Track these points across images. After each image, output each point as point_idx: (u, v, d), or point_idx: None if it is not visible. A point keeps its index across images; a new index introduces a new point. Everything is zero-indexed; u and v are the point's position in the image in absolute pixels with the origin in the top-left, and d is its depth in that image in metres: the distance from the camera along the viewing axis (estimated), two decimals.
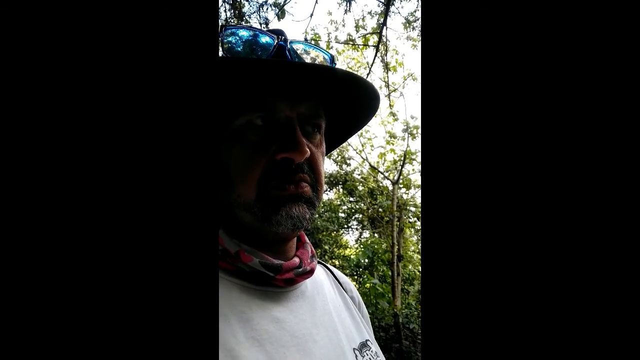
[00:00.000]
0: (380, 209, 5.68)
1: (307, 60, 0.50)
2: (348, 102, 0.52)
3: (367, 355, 0.54)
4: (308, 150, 0.45)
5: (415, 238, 6.63)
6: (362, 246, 5.83)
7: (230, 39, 0.47)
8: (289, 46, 0.48)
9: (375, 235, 6.10)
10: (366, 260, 5.39)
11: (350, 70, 0.49)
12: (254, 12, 3.55)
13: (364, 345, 0.55)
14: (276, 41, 0.47)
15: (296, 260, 0.51)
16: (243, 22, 3.49)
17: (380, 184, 6.04)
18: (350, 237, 6.83)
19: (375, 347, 0.57)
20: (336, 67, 0.48)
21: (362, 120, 0.58)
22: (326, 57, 0.52)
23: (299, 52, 0.49)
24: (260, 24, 3.48)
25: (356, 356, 0.51)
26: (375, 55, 3.81)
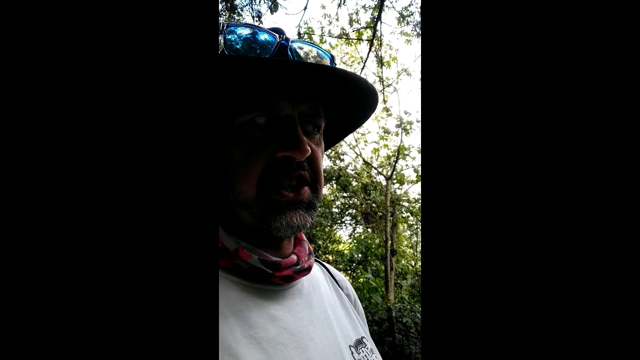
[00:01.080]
0: (373, 204, 5.71)
1: (307, 59, 0.50)
2: (347, 101, 0.52)
3: (363, 352, 0.54)
4: (309, 148, 0.45)
5: (408, 233, 6.68)
6: (355, 241, 5.86)
7: (230, 36, 0.47)
8: (290, 45, 0.48)
9: (369, 230, 6.13)
10: (359, 255, 5.42)
11: (351, 70, 0.50)
12: (246, 4, 3.51)
13: (359, 342, 0.56)
14: (278, 40, 0.47)
15: (294, 257, 0.51)
16: (235, 15, 3.45)
17: (374, 180, 6.06)
18: (343, 232, 6.86)
19: (370, 343, 0.58)
20: (337, 67, 0.48)
21: (360, 120, 0.58)
22: (326, 56, 0.52)
23: (299, 51, 0.49)
24: (253, 17, 3.45)
25: (352, 353, 0.52)
26: (369, 49, 3.80)
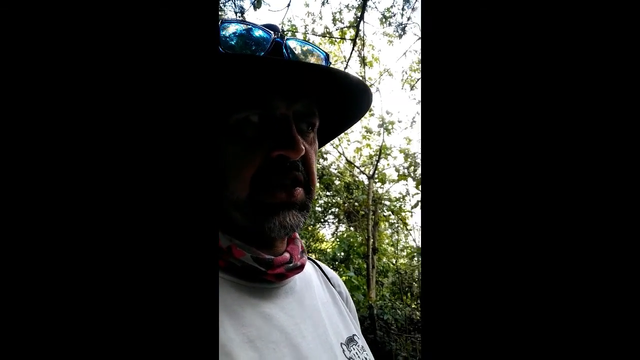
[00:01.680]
0: (356, 203, 5.74)
1: (302, 57, 0.50)
2: (342, 100, 0.52)
3: (354, 349, 0.55)
4: (303, 148, 0.45)
5: (389, 231, 6.75)
6: (338, 240, 5.88)
7: (225, 32, 0.46)
8: (285, 42, 0.48)
9: (351, 228, 6.16)
10: (342, 254, 5.44)
11: (346, 70, 0.50)
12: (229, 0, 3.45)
13: (350, 339, 0.56)
14: (273, 37, 0.47)
15: (287, 255, 0.51)
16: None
17: (356, 179, 6.10)
18: (326, 231, 6.86)
19: (361, 341, 0.58)
20: (332, 66, 0.48)
21: (354, 119, 0.58)
22: (321, 55, 0.52)
23: (293, 48, 0.49)
24: (235, 12, 3.40)
25: (343, 350, 0.52)
26: (352, 49, 3.82)
